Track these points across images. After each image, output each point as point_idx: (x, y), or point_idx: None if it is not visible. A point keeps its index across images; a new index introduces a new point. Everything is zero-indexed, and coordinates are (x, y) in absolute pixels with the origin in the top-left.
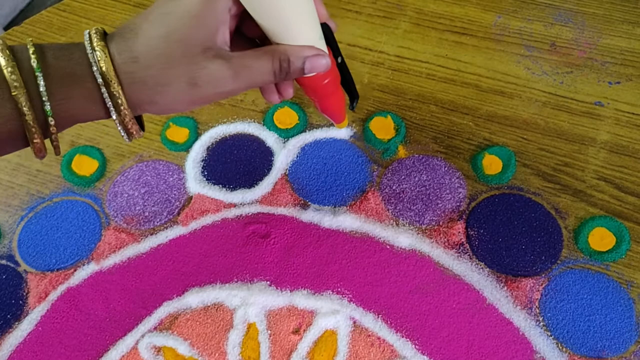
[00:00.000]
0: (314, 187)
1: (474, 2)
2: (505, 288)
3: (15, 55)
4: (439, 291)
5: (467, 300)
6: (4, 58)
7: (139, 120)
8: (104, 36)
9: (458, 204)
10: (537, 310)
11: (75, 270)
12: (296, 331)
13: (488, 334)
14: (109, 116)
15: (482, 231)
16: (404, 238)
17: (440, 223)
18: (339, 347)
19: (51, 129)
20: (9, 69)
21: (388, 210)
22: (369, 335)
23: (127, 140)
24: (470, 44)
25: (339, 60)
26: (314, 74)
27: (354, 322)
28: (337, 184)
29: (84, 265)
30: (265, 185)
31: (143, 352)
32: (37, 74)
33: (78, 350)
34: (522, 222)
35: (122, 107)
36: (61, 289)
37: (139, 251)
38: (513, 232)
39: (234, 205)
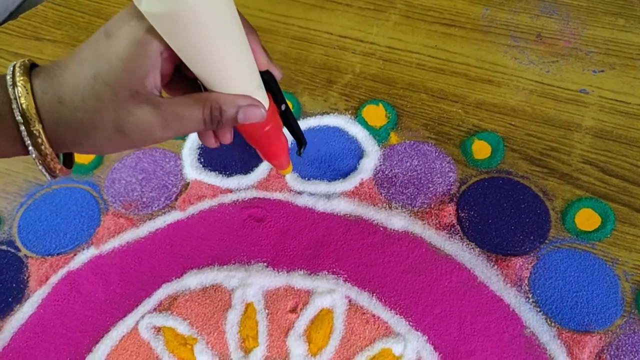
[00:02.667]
0: (309, 173)
1: None
2: (496, 267)
3: None
4: (431, 270)
5: (459, 279)
6: None
7: (70, 157)
8: (29, 70)
9: (449, 187)
10: (527, 288)
11: (75, 255)
12: (293, 310)
13: (479, 310)
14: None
15: (472, 213)
16: (397, 220)
17: (432, 206)
18: (335, 325)
19: None
20: None
21: (381, 194)
22: (364, 313)
23: (49, 178)
24: (458, 35)
25: (283, 107)
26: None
27: (350, 301)
28: (330, 169)
29: (83, 249)
30: (260, 171)
31: (143, 332)
32: None
33: (79, 331)
34: (511, 204)
35: (42, 147)
36: (61, 272)
37: (137, 235)
38: (502, 213)
39: (231, 191)
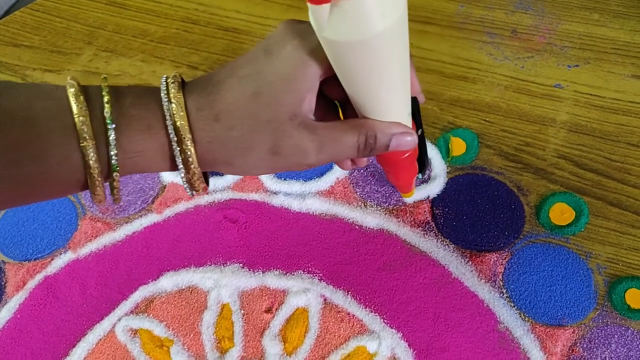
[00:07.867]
0: (284, 172)
1: None
2: (470, 263)
3: (90, 101)
4: (406, 268)
5: (433, 276)
6: (77, 105)
7: (205, 176)
8: (182, 85)
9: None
10: (501, 283)
11: (52, 259)
12: (268, 310)
13: (454, 306)
14: (177, 169)
15: (447, 210)
16: (371, 218)
17: (407, 203)
18: (310, 324)
19: (115, 183)
20: (81, 118)
21: (356, 192)
22: (339, 312)
23: (189, 194)
24: (434, 32)
25: (419, 132)
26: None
27: (325, 300)
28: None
29: (61, 254)
30: None
31: (120, 334)
32: (108, 126)
33: (56, 335)
34: (486, 200)
35: (192, 165)
36: (39, 277)
37: (114, 239)
38: (477, 209)
39: (207, 192)
